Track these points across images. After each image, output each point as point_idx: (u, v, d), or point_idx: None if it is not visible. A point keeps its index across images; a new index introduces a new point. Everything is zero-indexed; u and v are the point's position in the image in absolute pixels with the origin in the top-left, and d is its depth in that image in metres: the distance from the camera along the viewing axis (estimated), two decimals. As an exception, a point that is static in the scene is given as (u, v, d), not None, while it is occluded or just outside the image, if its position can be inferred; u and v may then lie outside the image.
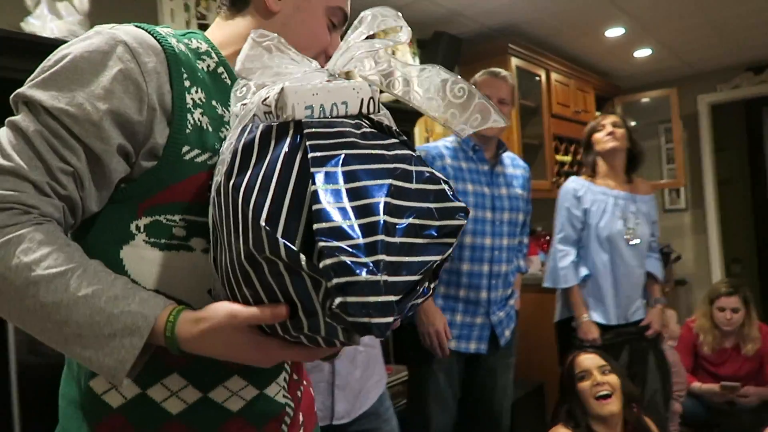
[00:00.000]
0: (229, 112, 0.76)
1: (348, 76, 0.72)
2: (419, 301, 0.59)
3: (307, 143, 0.60)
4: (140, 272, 0.69)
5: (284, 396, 0.79)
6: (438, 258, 0.58)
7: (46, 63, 0.69)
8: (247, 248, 0.58)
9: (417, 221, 0.58)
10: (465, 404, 2.12)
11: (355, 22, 0.70)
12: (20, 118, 0.67)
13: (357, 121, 0.66)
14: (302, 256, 0.55)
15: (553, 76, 3.75)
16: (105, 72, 0.67)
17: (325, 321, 0.58)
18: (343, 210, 0.56)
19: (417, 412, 2.04)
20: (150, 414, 0.70)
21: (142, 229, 0.70)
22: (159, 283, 0.70)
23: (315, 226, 0.55)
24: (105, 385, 0.71)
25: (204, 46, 0.78)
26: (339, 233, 0.54)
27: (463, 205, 0.62)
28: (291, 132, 0.62)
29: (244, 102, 0.69)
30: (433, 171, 0.63)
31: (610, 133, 2.38)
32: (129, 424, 0.70)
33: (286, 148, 0.61)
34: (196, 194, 0.71)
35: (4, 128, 0.67)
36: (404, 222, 0.57)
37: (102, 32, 0.70)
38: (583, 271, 2.37)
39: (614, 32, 3.65)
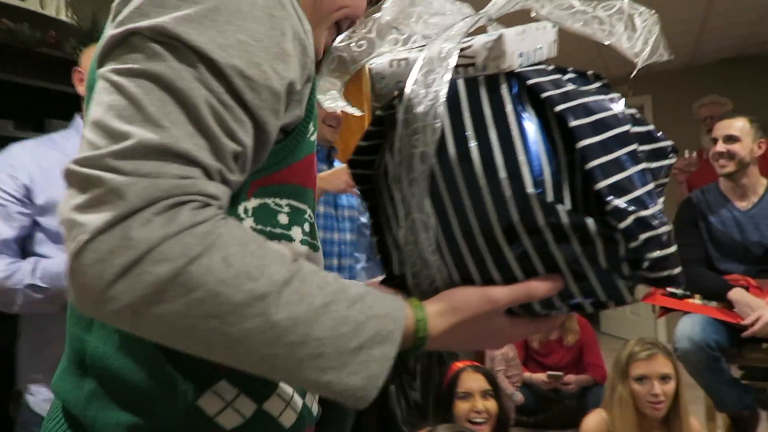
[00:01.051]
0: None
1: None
2: None
3: (544, 96, 0.55)
4: None
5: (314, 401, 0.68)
6: (661, 201, 0.56)
7: None
8: (505, 221, 0.53)
9: (650, 165, 0.57)
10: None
11: None
12: (167, 69, 0.46)
13: (552, 66, 0.61)
14: (590, 220, 0.52)
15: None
16: (275, 24, 0.51)
17: (602, 282, 0.55)
18: (615, 162, 0.53)
19: None
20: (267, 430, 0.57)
21: (250, 213, 0.56)
22: None
23: (598, 186, 0.52)
24: (219, 404, 0.55)
25: None
26: (622, 188, 0.52)
27: (671, 142, 0.60)
28: (504, 84, 0.56)
29: (401, 58, 0.60)
30: (635, 111, 0.60)
31: None
32: None
33: (511, 103, 0.55)
34: (304, 177, 0.59)
35: (132, 79, 0.46)
36: (643, 167, 0.56)
37: None
38: None
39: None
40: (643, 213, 0.52)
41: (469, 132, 0.55)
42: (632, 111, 0.60)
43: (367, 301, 0.50)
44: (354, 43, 0.64)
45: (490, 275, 0.56)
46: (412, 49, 0.63)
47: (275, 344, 0.45)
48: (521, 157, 0.53)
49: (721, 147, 2.22)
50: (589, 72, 0.62)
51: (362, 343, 0.48)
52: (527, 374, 3.23)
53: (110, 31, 0.49)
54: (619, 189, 0.53)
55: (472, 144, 0.55)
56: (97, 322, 0.56)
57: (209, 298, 0.43)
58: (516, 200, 0.53)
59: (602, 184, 0.52)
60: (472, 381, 1.94)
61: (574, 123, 0.53)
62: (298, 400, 0.61)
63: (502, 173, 0.53)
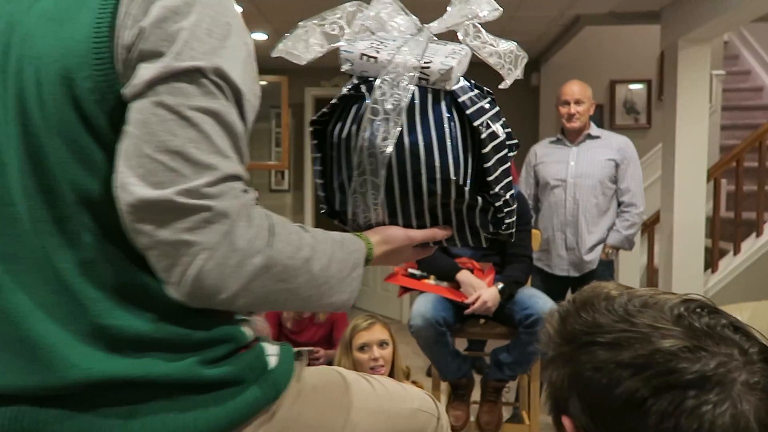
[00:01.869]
0: None
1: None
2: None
3: (469, 112, 0.83)
4: None
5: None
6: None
7: (207, 25, 0.61)
8: (432, 192, 0.83)
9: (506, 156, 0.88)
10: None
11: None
12: (221, 107, 0.61)
13: (468, 83, 0.87)
14: (480, 198, 0.85)
15: (167, 39, 3.53)
16: (251, 53, 0.67)
17: (472, 234, 0.89)
18: (498, 161, 0.84)
19: None
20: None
21: None
22: None
23: (489, 178, 0.83)
24: (246, 323, 0.74)
25: None
26: (498, 179, 0.84)
27: (516, 141, 0.91)
28: (443, 98, 0.83)
29: (370, 55, 0.83)
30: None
31: None
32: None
33: (447, 113, 0.82)
34: None
35: (201, 116, 0.60)
36: (508, 165, 0.88)
37: None
38: None
39: (232, 9, 3.65)
40: (507, 196, 0.86)
41: (419, 131, 0.81)
42: (503, 119, 0.89)
43: (346, 243, 0.74)
44: (327, 25, 0.85)
45: (410, 222, 0.86)
46: (379, 48, 0.84)
47: (312, 287, 0.68)
48: (450, 154, 0.82)
49: None
50: (485, 88, 0.90)
51: (349, 271, 0.73)
52: (279, 352, 3.23)
53: (172, 63, 0.59)
54: (497, 180, 0.85)
55: (420, 140, 0.81)
56: (109, 303, 0.62)
57: (282, 269, 0.64)
58: (442, 182, 0.82)
59: (491, 177, 0.84)
60: None
61: (483, 135, 0.83)
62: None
63: (437, 163, 0.81)
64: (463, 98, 0.83)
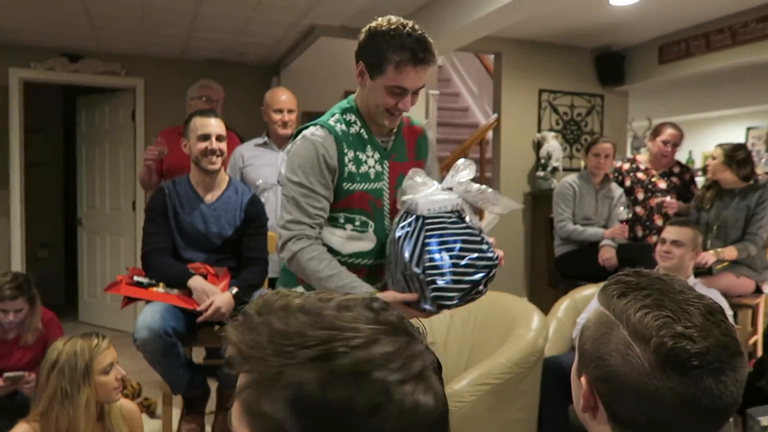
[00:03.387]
0: (364, 155, 1.70)
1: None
2: (475, 297, 1.59)
3: (426, 227, 1.57)
4: (329, 240, 1.69)
5: None
6: (480, 275, 1.57)
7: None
8: (405, 272, 1.56)
9: (473, 258, 1.57)
10: None
11: (459, 167, 1.63)
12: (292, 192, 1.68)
13: (450, 214, 1.60)
14: (422, 275, 1.53)
15: None
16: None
17: (428, 303, 1.55)
18: (439, 253, 1.56)
19: None
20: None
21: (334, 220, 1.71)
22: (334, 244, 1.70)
23: (426, 265, 1.53)
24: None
25: (353, 117, 1.69)
26: (436, 266, 1.54)
27: (491, 254, 1.60)
28: (417, 221, 1.59)
29: (407, 198, 1.60)
30: (477, 231, 1.63)
31: None
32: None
33: (417, 229, 1.57)
34: (351, 204, 1.69)
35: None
36: (467, 259, 1.56)
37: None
38: None
39: None
40: (440, 280, 1.55)
41: (409, 246, 1.57)
42: (478, 235, 1.62)
43: (362, 286, 1.62)
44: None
45: (399, 289, 1.59)
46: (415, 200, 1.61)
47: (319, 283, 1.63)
48: (416, 250, 1.55)
49: (215, 145, 2.32)
50: (469, 218, 1.63)
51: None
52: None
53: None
54: (434, 267, 1.55)
55: (411, 243, 1.56)
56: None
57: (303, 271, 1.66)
58: (411, 270, 1.55)
59: (426, 264, 1.54)
60: None
61: (428, 239, 1.57)
62: None
63: (407, 257, 1.56)
64: (429, 220, 1.57)
